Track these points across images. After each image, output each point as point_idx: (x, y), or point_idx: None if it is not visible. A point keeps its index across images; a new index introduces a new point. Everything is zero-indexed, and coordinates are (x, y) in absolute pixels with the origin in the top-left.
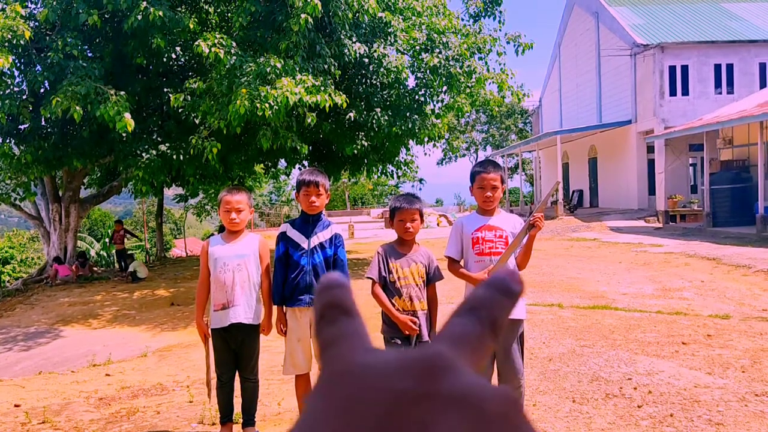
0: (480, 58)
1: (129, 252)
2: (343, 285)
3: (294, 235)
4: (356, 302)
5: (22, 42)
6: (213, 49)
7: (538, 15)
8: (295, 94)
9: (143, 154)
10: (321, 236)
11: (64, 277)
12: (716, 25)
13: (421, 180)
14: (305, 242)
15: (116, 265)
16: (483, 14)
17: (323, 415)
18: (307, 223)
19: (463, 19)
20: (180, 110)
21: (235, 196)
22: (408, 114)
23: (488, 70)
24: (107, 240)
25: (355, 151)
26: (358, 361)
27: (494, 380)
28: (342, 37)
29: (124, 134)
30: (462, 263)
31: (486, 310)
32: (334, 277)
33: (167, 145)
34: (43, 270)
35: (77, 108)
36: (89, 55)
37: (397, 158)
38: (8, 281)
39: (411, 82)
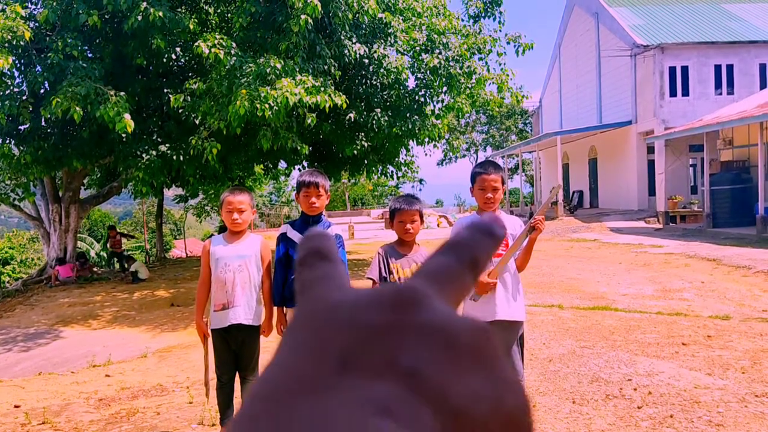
0: (480, 59)
1: (129, 253)
2: (324, 235)
3: (294, 236)
4: (336, 250)
5: (22, 43)
6: (213, 50)
7: (538, 15)
8: (295, 94)
9: (143, 155)
10: None
11: (65, 278)
12: (716, 25)
13: (421, 180)
14: None
15: (115, 266)
16: (483, 15)
17: (291, 353)
18: (308, 224)
19: (463, 20)
20: (180, 111)
21: (237, 197)
22: (408, 115)
23: (488, 70)
24: (107, 242)
25: (355, 152)
26: (330, 299)
27: None
28: (342, 37)
29: (124, 135)
30: None
31: (467, 248)
32: (315, 230)
33: (167, 145)
34: (43, 271)
35: (77, 109)
36: (89, 55)
37: (397, 159)
38: (8, 282)
39: (411, 83)
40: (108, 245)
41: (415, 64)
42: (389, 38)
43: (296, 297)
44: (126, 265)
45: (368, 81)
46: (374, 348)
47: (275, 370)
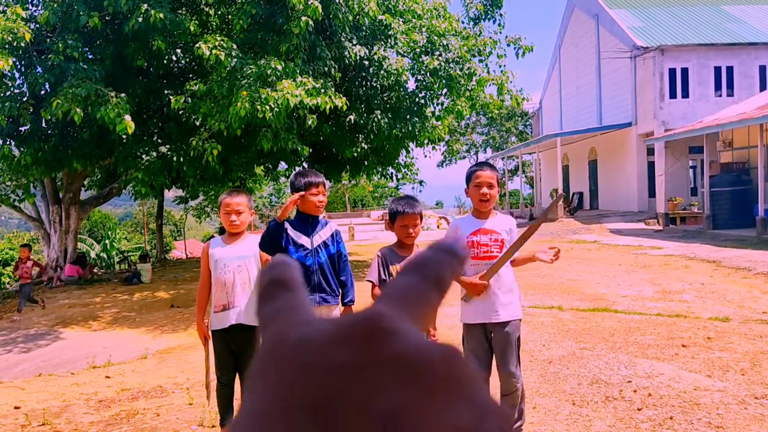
0: (480, 61)
1: (128, 253)
2: (285, 263)
3: (295, 235)
4: (299, 278)
5: (22, 44)
6: (214, 52)
7: (538, 17)
8: (296, 96)
9: (143, 156)
10: (323, 234)
11: (68, 278)
12: (716, 27)
13: (421, 182)
14: (308, 242)
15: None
16: (483, 17)
17: (262, 400)
18: (307, 223)
19: (463, 22)
20: (180, 112)
21: (234, 198)
22: (408, 116)
23: (488, 72)
24: (107, 242)
25: (355, 153)
26: (294, 336)
27: (493, 383)
28: (342, 39)
29: (124, 136)
30: None
31: (431, 267)
32: (278, 258)
33: (167, 146)
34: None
35: (77, 110)
36: (90, 57)
37: (397, 160)
38: (8, 283)
39: (411, 85)
40: (14, 273)
41: (416, 66)
42: (389, 40)
43: (260, 332)
44: (129, 265)
45: (368, 83)
46: (345, 394)
47: (247, 424)
